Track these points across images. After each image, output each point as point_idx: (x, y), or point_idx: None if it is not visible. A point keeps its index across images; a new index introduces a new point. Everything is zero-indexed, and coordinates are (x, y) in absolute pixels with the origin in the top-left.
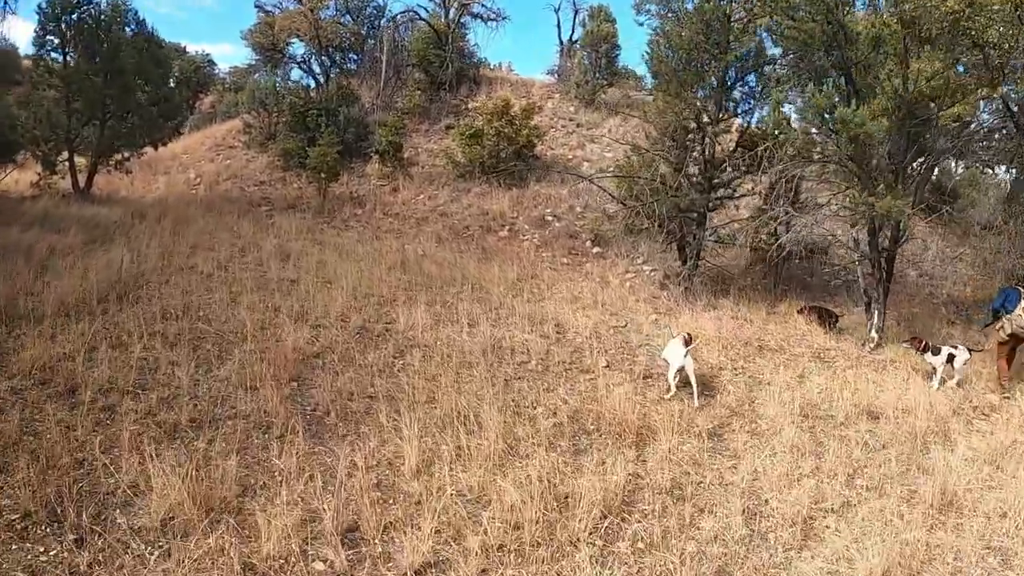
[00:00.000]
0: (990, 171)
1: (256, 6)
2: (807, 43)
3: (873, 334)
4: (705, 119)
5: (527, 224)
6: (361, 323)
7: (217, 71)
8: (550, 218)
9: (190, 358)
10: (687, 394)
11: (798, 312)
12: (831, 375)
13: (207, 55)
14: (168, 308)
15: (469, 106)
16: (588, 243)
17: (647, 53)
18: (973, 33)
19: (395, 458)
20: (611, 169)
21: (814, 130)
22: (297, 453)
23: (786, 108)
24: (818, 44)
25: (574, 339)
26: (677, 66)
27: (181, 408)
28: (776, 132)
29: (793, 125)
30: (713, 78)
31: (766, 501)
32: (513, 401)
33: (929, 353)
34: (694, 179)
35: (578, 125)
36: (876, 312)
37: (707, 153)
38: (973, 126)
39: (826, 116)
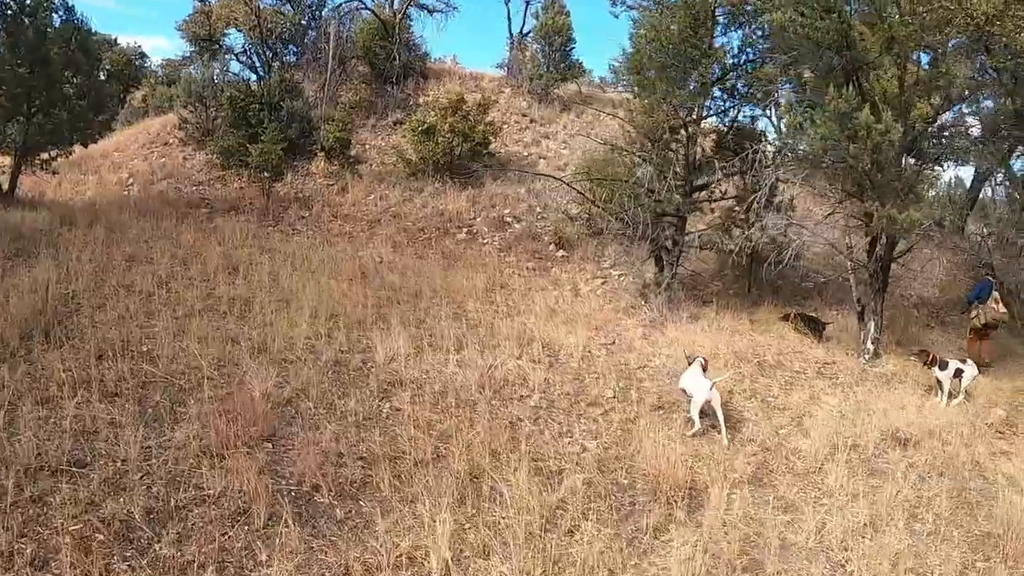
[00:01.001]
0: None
1: None
2: (818, 42)
3: (869, 345)
4: (691, 118)
5: (486, 226)
6: (334, 355)
7: (149, 64)
8: (510, 219)
9: (136, 416)
10: (708, 425)
11: (781, 319)
12: (842, 395)
13: (139, 47)
14: (105, 344)
15: (420, 100)
16: (552, 246)
17: (626, 48)
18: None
19: (414, 550)
20: (568, 167)
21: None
22: (291, 553)
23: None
24: (829, 43)
25: (567, 362)
26: (666, 61)
27: (132, 493)
28: (783, 135)
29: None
30: (699, 76)
31: (843, 565)
32: (529, 452)
33: (937, 368)
34: (676, 182)
35: (532, 121)
36: (872, 322)
37: (690, 155)
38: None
39: (846, 121)
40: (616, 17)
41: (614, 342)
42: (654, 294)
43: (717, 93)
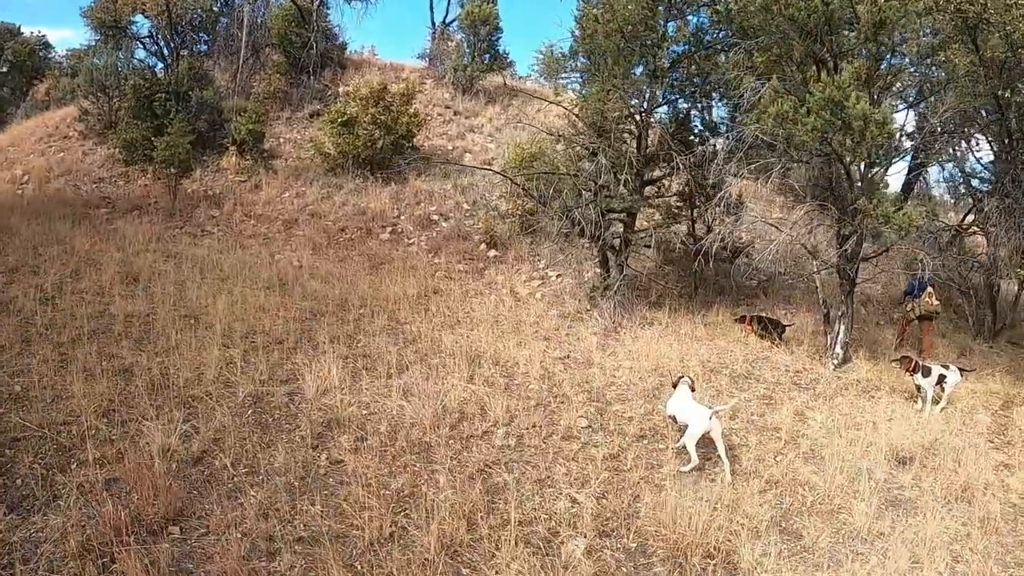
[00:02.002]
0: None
1: None
2: (801, 25)
3: (838, 349)
4: (644, 108)
5: (411, 225)
6: (253, 388)
7: (54, 55)
8: (436, 217)
9: None
10: (705, 458)
11: (737, 321)
12: (826, 409)
13: (43, 37)
14: None
15: (340, 90)
16: (483, 246)
17: (574, 30)
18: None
19: None
20: (496, 161)
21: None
22: None
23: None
24: (812, 27)
25: (525, 384)
26: (620, 45)
27: None
28: (755, 127)
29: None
30: (654, 61)
31: None
32: (511, 514)
33: (919, 374)
34: (626, 177)
35: (456, 113)
36: (842, 325)
37: (642, 147)
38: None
39: (838, 111)
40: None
41: (568, 355)
42: (603, 298)
43: (673, 80)
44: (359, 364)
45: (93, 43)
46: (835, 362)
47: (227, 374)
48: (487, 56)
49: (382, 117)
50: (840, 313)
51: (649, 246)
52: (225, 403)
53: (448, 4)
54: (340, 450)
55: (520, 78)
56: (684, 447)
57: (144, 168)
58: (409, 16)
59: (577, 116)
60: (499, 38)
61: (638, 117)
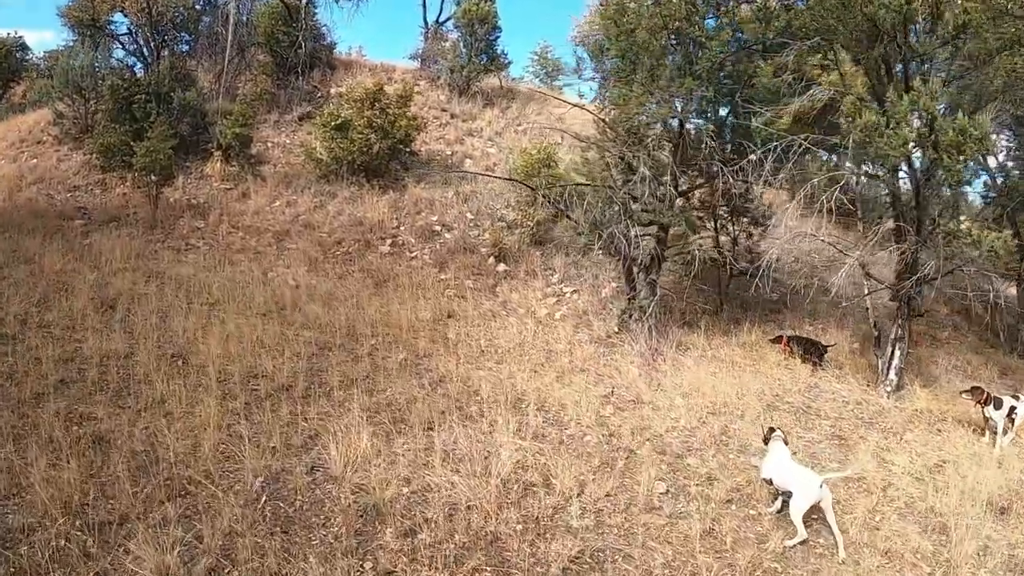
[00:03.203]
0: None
1: None
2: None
3: (892, 376)
4: (690, 112)
5: (413, 237)
6: (265, 465)
7: (31, 57)
8: (439, 228)
9: None
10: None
11: (773, 342)
12: (901, 449)
13: (20, 38)
14: None
15: (332, 92)
16: (491, 259)
17: (609, 26)
18: None
19: None
20: (498, 167)
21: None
22: None
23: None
24: (891, 26)
25: (581, 436)
26: (664, 44)
27: None
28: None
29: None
30: (705, 61)
31: None
32: None
33: (991, 406)
34: (669, 189)
35: (453, 116)
36: (898, 351)
37: (678, 157)
38: None
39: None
40: None
41: (613, 392)
42: (635, 320)
43: (720, 83)
44: (385, 418)
45: (71, 43)
46: (888, 389)
47: (229, 443)
48: (484, 56)
49: (378, 120)
50: (895, 337)
51: (689, 262)
52: (232, 490)
53: (442, 3)
54: (388, 554)
55: (514, 79)
56: (781, 514)
57: (123, 175)
58: (398, 16)
59: (604, 121)
60: (497, 37)
61: (675, 123)
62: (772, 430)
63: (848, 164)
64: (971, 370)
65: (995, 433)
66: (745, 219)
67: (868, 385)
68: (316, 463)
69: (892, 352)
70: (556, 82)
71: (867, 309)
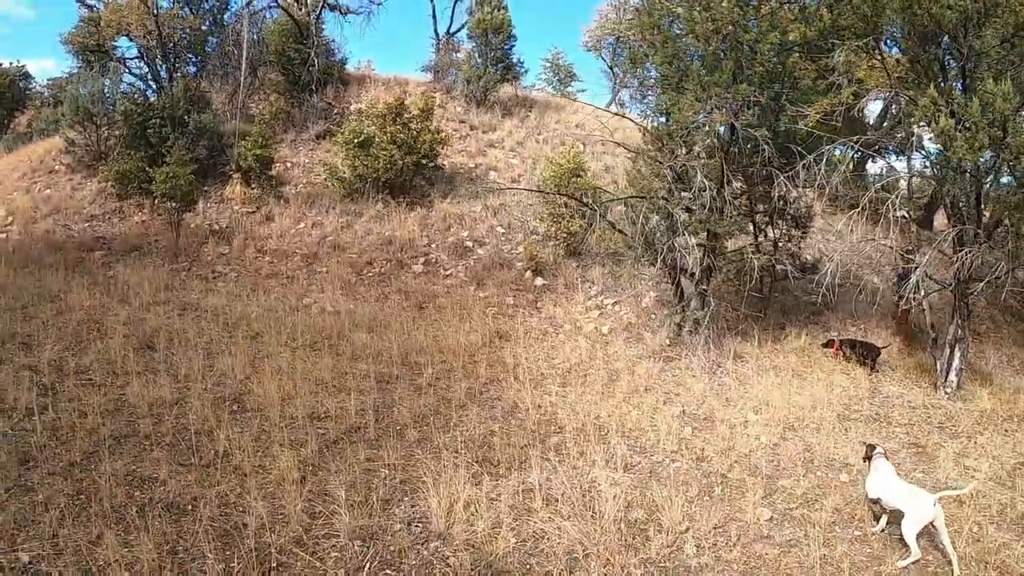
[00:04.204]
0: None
1: (78, 0)
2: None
3: (952, 377)
4: (745, 119)
5: (445, 254)
6: (359, 527)
7: (35, 86)
8: (471, 244)
9: None
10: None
11: (824, 346)
12: (977, 454)
13: (22, 67)
14: None
15: (352, 108)
16: (528, 274)
17: (651, 33)
18: None
19: None
20: (523, 178)
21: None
22: None
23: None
24: (952, 24)
25: (669, 463)
26: (716, 48)
27: None
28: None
29: None
30: (759, 64)
31: None
32: None
33: None
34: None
35: (472, 128)
36: (958, 352)
37: (730, 164)
38: None
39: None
40: None
41: (684, 411)
42: (690, 333)
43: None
44: (468, 457)
45: (75, 71)
46: (949, 391)
47: (313, 500)
48: (500, 66)
49: (401, 135)
50: (953, 338)
51: (742, 271)
52: (330, 558)
53: (452, 13)
54: None
55: (526, 88)
56: (886, 532)
57: (140, 202)
58: (406, 28)
59: (649, 131)
60: (513, 46)
61: (723, 129)
62: (872, 447)
63: (902, 166)
64: (1019, 364)
65: None
66: (783, 222)
67: (928, 387)
68: (412, 516)
69: (952, 353)
70: (568, 88)
71: (924, 311)
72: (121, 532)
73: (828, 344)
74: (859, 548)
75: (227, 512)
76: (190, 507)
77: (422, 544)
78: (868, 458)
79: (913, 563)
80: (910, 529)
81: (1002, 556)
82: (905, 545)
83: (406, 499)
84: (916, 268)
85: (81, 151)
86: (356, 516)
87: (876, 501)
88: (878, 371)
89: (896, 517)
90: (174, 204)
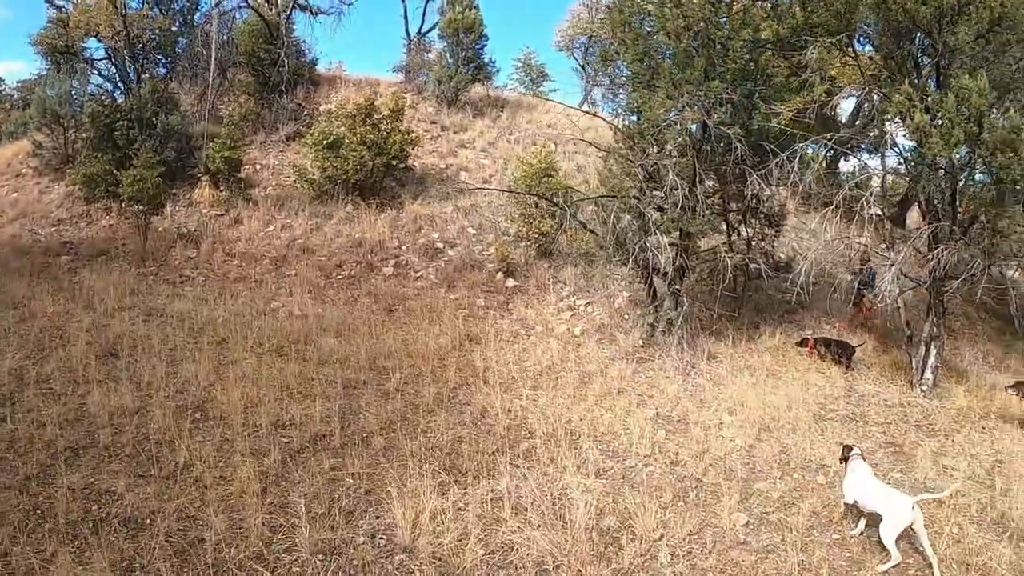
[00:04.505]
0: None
1: (46, 0)
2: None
3: (928, 375)
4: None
5: (416, 256)
6: (321, 540)
7: (3, 87)
8: (442, 245)
9: None
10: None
11: (798, 345)
12: (955, 452)
13: None
14: None
15: (322, 109)
16: (499, 275)
17: (622, 30)
18: None
19: None
20: (494, 178)
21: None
22: None
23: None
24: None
25: (643, 467)
26: (687, 46)
27: None
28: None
29: None
30: (731, 61)
31: None
32: None
33: None
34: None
35: (443, 129)
36: (934, 350)
37: (702, 162)
38: None
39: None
40: None
41: (658, 413)
42: (663, 333)
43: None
44: (435, 465)
45: (44, 72)
46: (925, 388)
47: (274, 513)
48: (472, 66)
49: (371, 136)
50: (929, 336)
51: (715, 271)
52: (288, 573)
53: (424, 14)
54: None
55: (498, 88)
56: (864, 535)
57: (108, 206)
58: (378, 29)
59: (620, 130)
60: (484, 46)
61: (695, 127)
62: (849, 448)
63: (875, 164)
64: (994, 360)
65: None
66: (757, 221)
67: (904, 385)
68: (377, 528)
69: (927, 351)
70: (541, 88)
71: (898, 308)
72: (76, 550)
73: (802, 343)
74: (838, 552)
75: (186, 526)
76: (148, 521)
77: (386, 558)
78: (845, 459)
79: (893, 567)
80: (889, 533)
81: (984, 558)
82: (884, 549)
83: (370, 510)
84: (891, 266)
85: (49, 154)
86: (318, 529)
87: (855, 506)
88: (853, 369)
89: (875, 519)
90: (141, 207)
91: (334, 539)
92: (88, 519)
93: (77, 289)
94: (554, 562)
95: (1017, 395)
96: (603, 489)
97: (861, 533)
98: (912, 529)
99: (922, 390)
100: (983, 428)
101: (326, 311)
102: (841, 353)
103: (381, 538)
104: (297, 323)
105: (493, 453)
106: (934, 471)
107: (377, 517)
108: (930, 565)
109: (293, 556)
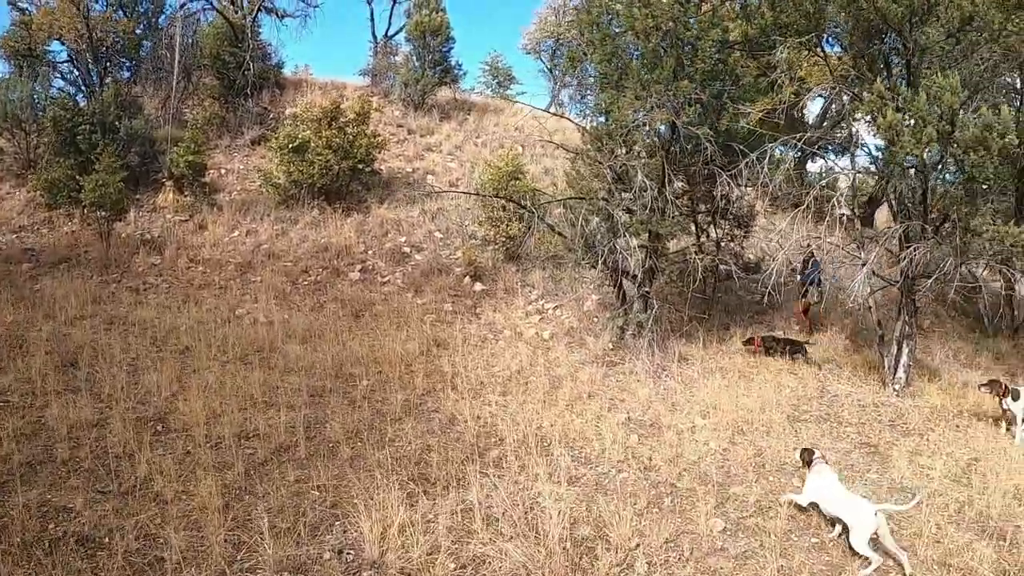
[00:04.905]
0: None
1: (9, 3)
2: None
3: (901, 373)
4: (686, 116)
5: (382, 261)
6: (286, 557)
7: None
8: (408, 250)
9: None
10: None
11: (745, 343)
12: (930, 452)
13: None
14: None
15: (287, 112)
16: (467, 279)
17: (590, 31)
18: None
19: None
20: (461, 182)
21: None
22: None
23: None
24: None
25: (616, 474)
26: (656, 46)
27: None
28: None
29: None
30: (700, 62)
31: None
32: None
33: (1010, 398)
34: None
35: (410, 132)
36: (906, 349)
37: (670, 162)
38: None
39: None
40: None
41: (630, 417)
42: (633, 336)
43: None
44: (403, 475)
45: (7, 75)
46: (898, 387)
47: (237, 529)
48: (438, 69)
49: (337, 140)
50: (901, 335)
51: (684, 272)
52: None
53: (390, 16)
54: None
55: (465, 91)
56: (843, 538)
57: (70, 212)
58: (345, 32)
59: (587, 131)
60: (451, 49)
61: (664, 128)
62: (811, 452)
63: (843, 164)
64: (965, 358)
65: (1012, 424)
66: (726, 222)
67: (877, 385)
68: (344, 543)
69: (900, 350)
70: (508, 91)
71: (870, 308)
72: (31, 571)
73: (748, 341)
74: (817, 556)
75: (145, 545)
76: (106, 540)
77: (354, 574)
78: (808, 463)
79: (874, 570)
80: (860, 541)
81: (964, 558)
82: (861, 556)
83: (337, 524)
84: (863, 265)
85: (10, 159)
86: (283, 545)
87: (818, 508)
88: (808, 363)
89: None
90: (104, 213)
91: (299, 555)
92: (44, 538)
93: (38, 297)
94: (528, 575)
95: (991, 393)
96: (576, 497)
97: (840, 535)
98: (876, 534)
99: (895, 389)
100: (957, 426)
101: (292, 317)
102: (793, 351)
103: (348, 553)
104: (262, 330)
105: (463, 462)
106: (910, 470)
107: (344, 531)
108: (901, 565)
109: (257, 574)
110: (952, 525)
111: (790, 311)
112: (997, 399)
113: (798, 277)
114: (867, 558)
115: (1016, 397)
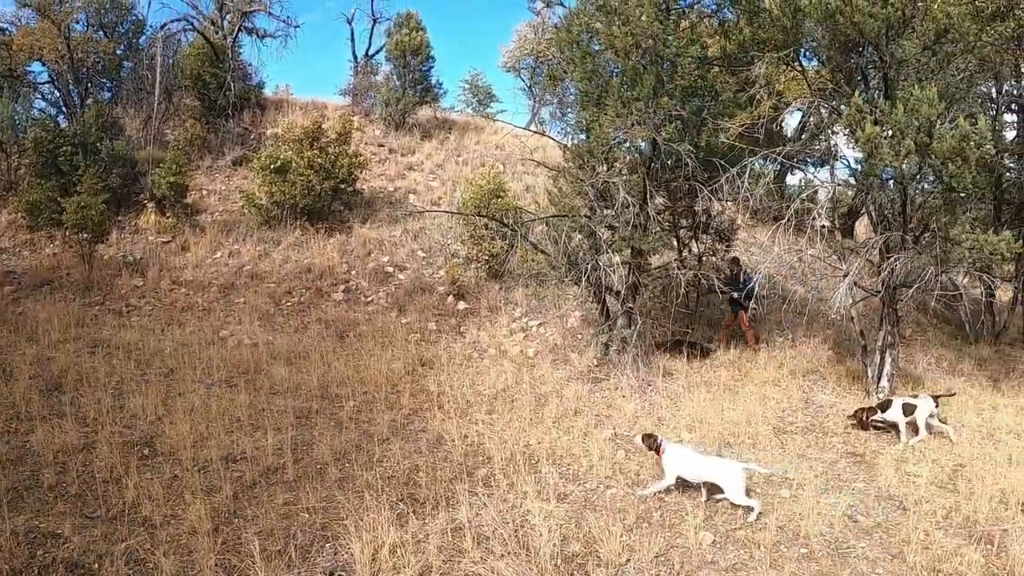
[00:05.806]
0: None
1: None
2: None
3: (884, 383)
4: (666, 133)
5: (366, 281)
6: None
7: None
8: (392, 269)
9: None
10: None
11: (658, 347)
12: (925, 461)
13: None
14: None
15: (268, 133)
16: (451, 298)
17: (570, 49)
18: None
19: None
20: (443, 200)
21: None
22: None
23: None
24: (874, 33)
25: (604, 491)
26: (636, 63)
27: None
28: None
29: None
30: (679, 78)
31: None
32: None
33: (879, 413)
34: (650, 212)
35: (391, 151)
36: (889, 357)
37: (652, 178)
38: None
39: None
40: (536, 14)
41: (616, 433)
42: (618, 352)
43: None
44: (392, 495)
45: None
46: (881, 396)
47: (228, 553)
48: (419, 88)
49: (319, 160)
50: (883, 344)
51: (667, 288)
52: None
53: (371, 36)
54: None
55: (446, 109)
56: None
57: (51, 234)
58: (325, 52)
59: (568, 148)
60: (431, 68)
61: (645, 144)
62: (653, 437)
63: (822, 176)
64: (948, 365)
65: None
66: (708, 236)
67: (861, 394)
68: (334, 565)
69: (883, 359)
70: (488, 109)
71: (852, 319)
72: None
73: (659, 344)
74: (807, 566)
75: (136, 570)
76: (96, 566)
77: None
78: (656, 448)
79: (759, 515)
80: (738, 494)
81: (954, 564)
82: (743, 507)
83: (327, 546)
84: (845, 276)
85: None
86: (274, 568)
87: (683, 480)
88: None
89: (714, 489)
90: (86, 235)
91: None
92: (33, 565)
93: (20, 320)
94: None
95: (856, 426)
96: (565, 514)
97: (707, 500)
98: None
99: (879, 398)
100: (942, 433)
101: (276, 339)
102: (703, 352)
103: (340, 575)
104: (247, 352)
105: (451, 481)
106: (896, 478)
107: (335, 553)
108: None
109: None
110: (940, 531)
111: (773, 323)
112: (860, 424)
113: (726, 289)
114: (749, 507)
115: (886, 408)
